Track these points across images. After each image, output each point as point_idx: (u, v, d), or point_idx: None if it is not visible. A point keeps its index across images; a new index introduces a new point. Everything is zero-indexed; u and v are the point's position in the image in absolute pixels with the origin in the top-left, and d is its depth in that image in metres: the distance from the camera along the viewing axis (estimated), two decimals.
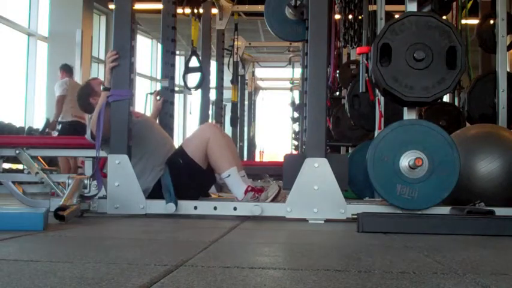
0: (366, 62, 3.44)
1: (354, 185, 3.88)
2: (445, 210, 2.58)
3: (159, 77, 4.58)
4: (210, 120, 6.29)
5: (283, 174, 2.87)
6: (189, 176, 3.05)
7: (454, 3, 4.62)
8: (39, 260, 1.35)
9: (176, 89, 4.33)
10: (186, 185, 3.02)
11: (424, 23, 2.61)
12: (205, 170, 3.08)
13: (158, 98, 3.82)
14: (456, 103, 5.29)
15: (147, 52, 12.79)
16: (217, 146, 3.01)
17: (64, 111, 6.22)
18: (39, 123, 8.45)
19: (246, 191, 2.94)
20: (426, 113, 4.40)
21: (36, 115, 8.79)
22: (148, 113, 3.80)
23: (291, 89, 12.10)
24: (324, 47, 2.84)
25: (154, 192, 2.99)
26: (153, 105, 3.80)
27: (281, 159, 2.98)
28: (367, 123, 4.41)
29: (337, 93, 6.34)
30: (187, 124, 13.82)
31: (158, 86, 5.17)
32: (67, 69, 6.75)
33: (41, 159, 3.38)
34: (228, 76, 7.76)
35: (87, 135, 3.06)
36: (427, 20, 2.62)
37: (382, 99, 3.76)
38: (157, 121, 3.80)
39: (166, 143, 3.29)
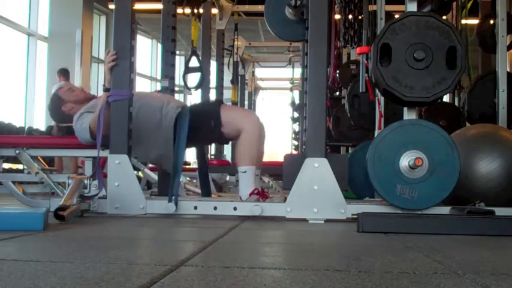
0: (366, 62, 3.43)
1: (354, 185, 3.88)
2: (445, 210, 2.58)
3: (159, 77, 4.58)
4: None
5: (283, 174, 2.87)
6: (209, 134, 3.13)
7: (454, 3, 4.62)
8: (39, 260, 1.35)
9: (176, 89, 4.33)
10: (200, 137, 3.13)
11: (424, 23, 2.61)
12: (223, 137, 3.14)
13: None
14: (456, 103, 5.29)
15: (147, 52, 12.80)
16: (249, 140, 3.05)
17: None
18: (39, 123, 8.47)
19: (252, 193, 2.95)
20: (426, 113, 4.40)
21: (36, 115, 8.79)
22: None
23: (291, 89, 12.10)
24: (324, 47, 2.84)
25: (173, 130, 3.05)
26: None
27: (281, 159, 2.98)
28: (367, 123, 4.41)
29: (337, 93, 6.34)
30: None
31: (158, 86, 5.17)
32: (64, 73, 7.04)
33: (41, 159, 3.38)
34: (228, 76, 7.77)
35: (82, 137, 3.04)
36: (427, 20, 2.62)
37: (382, 99, 3.76)
38: None
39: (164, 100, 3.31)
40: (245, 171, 3.02)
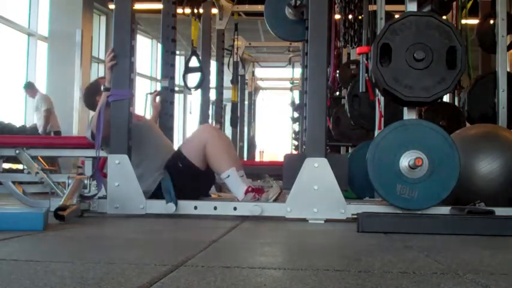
0: (366, 62, 3.44)
1: (354, 185, 3.88)
2: (445, 210, 2.58)
3: (159, 77, 4.58)
4: (210, 120, 6.30)
5: (283, 174, 2.87)
6: (189, 178, 3.05)
7: (454, 3, 4.62)
8: (39, 260, 1.35)
9: (176, 89, 4.33)
10: (186, 187, 3.02)
11: (424, 23, 2.61)
12: (204, 171, 3.08)
13: (157, 99, 3.80)
14: (456, 103, 5.29)
15: (147, 52, 12.79)
16: (215, 148, 3.02)
17: (52, 122, 7.09)
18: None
19: (247, 192, 2.94)
20: (426, 113, 4.40)
21: (36, 115, 8.78)
22: (148, 113, 3.80)
23: (291, 89, 12.10)
24: (324, 47, 2.84)
25: (155, 195, 2.99)
26: (152, 106, 3.79)
27: (281, 159, 2.98)
28: (367, 123, 4.41)
29: (337, 93, 6.34)
30: (187, 124, 13.82)
31: (158, 86, 5.17)
32: (34, 86, 7.53)
33: (41, 159, 3.38)
34: (228, 76, 7.76)
35: (88, 135, 3.06)
36: (427, 20, 2.62)
37: (382, 99, 3.76)
38: (158, 123, 3.79)
39: (166, 146, 3.29)
40: (228, 176, 3.00)
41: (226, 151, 3.06)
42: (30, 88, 7.43)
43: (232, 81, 8.22)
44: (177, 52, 5.17)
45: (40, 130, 7.03)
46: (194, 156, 3.04)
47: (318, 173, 2.72)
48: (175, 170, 3.04)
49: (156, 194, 3.00)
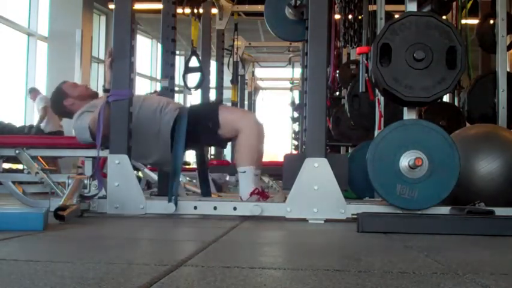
0: (366, 62, 3.43)
1: (354, 185, 3.87)
2: (445, 210, 2.58)
3: (159, 77, 4.58)
4: None
5: (283, 174, 2.87)
6: (208, 137, 3.14)
7: (454, 3, 4.62)
8: (39, 260, 1.35)
9: (176, 89, 4.32)
10: (198, 138, 3.13)
11: (424, 23, 2.61)
12: (223, 138, 3.16)
13: None
14: (456, 103, 5.29)
15: (147, 52, 12.79)
16: (247, 140, 3.05)
17: (51, 122, 7.21)
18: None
19: (252, 193, 2.95)
20: (426, 113, 4.40)
21: (36, 115, 8.78)
22: None
23: (291, 89, 12.09)
24: (324, 47, 2.84)
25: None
26: None
27: (281, 159, 2.98)
28: (367, 123, 4.41)
29: (337, 93, 6.34)
30: None
31: (158, 86, 5.17)
32: (35, 90, 7.80)
33: (41, 159, 3.38)
34: (228, 76, 7.76)
35: (85, 136, 3.04)
36: (427, 20, 2.62)
37: (382, 99, 3.76)
38: None
39: (153, 99, 3.33)
40: (244, 172, 3.02)
41: (255, 148, 3.09)
42: (32, 92, 7.66)
43: (232, 81, 8.21)
44: (177, 52, 5.17)
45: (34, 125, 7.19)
46: (225, 127, 3.09)
47: (318, 173, 2.71)
48: (202, 125, 3.09)
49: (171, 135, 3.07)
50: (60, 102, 3.30)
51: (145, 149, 3.12)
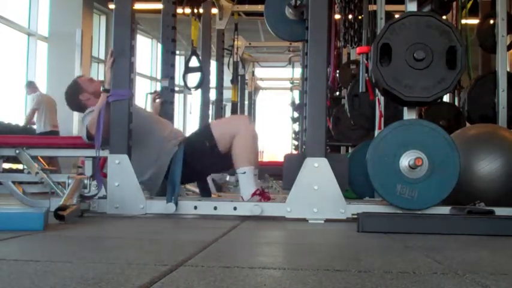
0: (366, 62, 3.44)
1: (354, 185, 3.87)
2: (445, 210, 2.58)
3: (159, 77, 4.58)
4: (210, 120, 6.30)
5: (283, 174, 2.87)
6: (209, 158, 3.12)
7: (454, 3, 4.62)
8: (39, 260, 1.35)
9: (176, 89, 4.32)
10: (201, 164, 3.13)
11: (424, 23, 2.61)
12: (223, 155, 3.12)
13: (157, 101, 3.79)
14: (456, 103, 5.29)
15: (147, 52, 12.79)
16: (243, 141, 3.05)
17: (42, 122, 7.14)
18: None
19: (254, 194, 2.95)
20: (426, 113, 4.40)
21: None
22: None
23: (291, 89, 12.09)
24: (324, 47, 2.84)
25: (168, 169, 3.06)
26: (152, 107, 3.79)
27: (281, 159, 2.99)
28: (367, 123, 4.41)
29: (337, 93, 6.34)
30: (187, 124, 13.82)
31: (158, 86, 5.17)
32: (33, 85, 7.65)
33: (41, 159, 3.38)
34: (228, 76, 7.76)
35: (83, 136, 3.05)
36: (427, 20, 2.62)
37: (382, 99, 3.76)
38: None
39: (166, 125, 3.34)
40: (244, 172, 3.02)
41: (252, 148, 3.10)
42: (29, 87, 7.57)
43: (232, 81, 8.21)
44: (177, 52, 5.17)
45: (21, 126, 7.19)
46: (222, 139, 3.09)
47: (318, 173, 2.72)
48: (200, 147, 3.10)
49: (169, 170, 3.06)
50: (76, 96, 3.26)
51: (140, 165, 3.06)
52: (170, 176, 2.97)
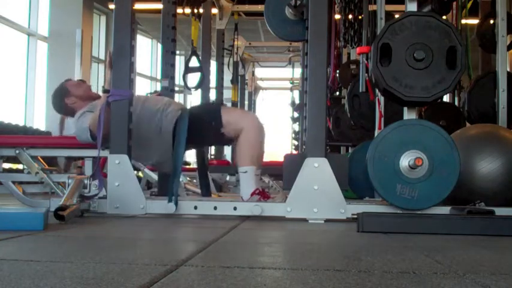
0: (366, 62, 3.44)
1: (354, 185, 3.88)
2: (445, 210, 2.58)
3: (159, 77, 4.58)
4: None
5: (283, 174, 2.87)
6: (211, 136, 3.17)
7: (454, 3, 4.62)
8: (39, 260, 1.35)
9: (176, 89, 4.32)
10: (201, 138, 3.17)
11: (424, 23, 2.61)
12: (224, 137, 3.15)
13: None
14: (456, 103, 5.29)
15: (147, 52, 12.79)
16: (248, 139, 3.06)
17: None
18: (39, 123, 8.47)
19: (253, 193, 2.95)
20: (426, 113, 4.40)
21: (36, 115, 8.79)
22: None
23: (291, 89, 12.09)
24: (324, 47, 2.84)
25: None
26: None
27: (281, 159, 2.99)
28: (367, 123, 4.41)
29: (337, 93, 6.34)
30: None
31: (158, 86, 5.17)
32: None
33: (41, 159, 3.38)
34: (228, 76, 7.76)
35: (84, 136, 3.04)
36: (427, 20, 2.62)
37: (382, 99, 3.76)
38: None
39: (159, 100, 3.34)
40: (246, 172, 3.02)
41: (256, 148, 3.10)
42: None
43: (232, 81, 8.21)
44: (177, 52, 5.16)
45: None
46: (228, 126, 3.11)
47: (318, 173, 2.72)
48: (205, 125, 3.12)
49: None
50: (61, 100, 3.29)
51: (146, 149, 3.12)
52: (175, 144, 2.99)
